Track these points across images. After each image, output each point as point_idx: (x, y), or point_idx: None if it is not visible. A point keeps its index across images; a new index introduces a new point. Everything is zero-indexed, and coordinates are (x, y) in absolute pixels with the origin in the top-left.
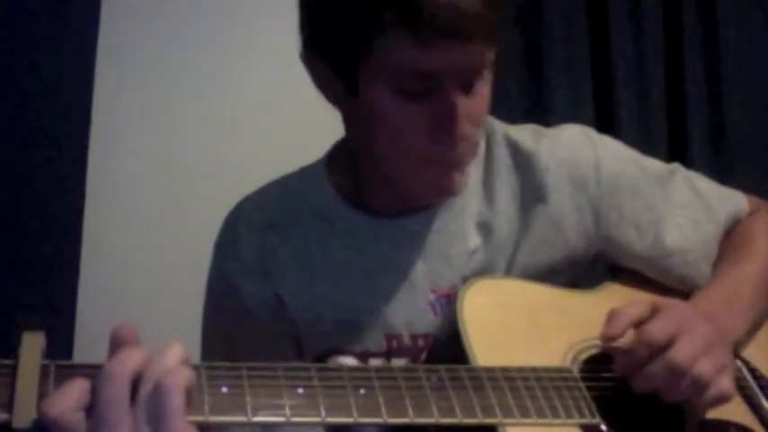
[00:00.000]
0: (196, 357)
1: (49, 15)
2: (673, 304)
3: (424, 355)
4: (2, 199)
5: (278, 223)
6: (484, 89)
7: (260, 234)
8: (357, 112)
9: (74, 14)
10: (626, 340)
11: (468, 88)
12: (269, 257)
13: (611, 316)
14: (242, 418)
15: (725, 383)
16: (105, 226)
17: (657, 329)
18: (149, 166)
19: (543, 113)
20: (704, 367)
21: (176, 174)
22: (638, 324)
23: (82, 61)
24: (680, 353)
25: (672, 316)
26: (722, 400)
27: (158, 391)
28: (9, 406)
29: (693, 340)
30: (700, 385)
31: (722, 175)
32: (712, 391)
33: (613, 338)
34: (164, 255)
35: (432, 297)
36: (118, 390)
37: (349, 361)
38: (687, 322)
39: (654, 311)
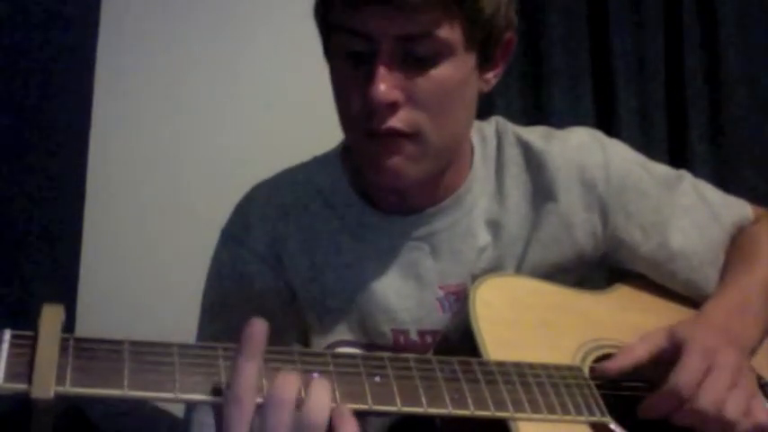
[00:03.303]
0: None
1: (49, 15)
2: (693, 336)
3: (431, 352)
4: (2, 199)
5: (290, 213)
6: (439, 73)
7: (272, 224)
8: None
9: (74, 14)
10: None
11: (411, 61)
12: (280, 247)
13: (622, 351)
14: (257, 400)
15: (759, 415)
16: (105, 226)
17: (686, 378)
18: (149, 166)
19: (543, 113)
20: (732, 409)
21: (176, 173)
22: (656, 356)
23: (82, 61)
24: (705, 400)
25: (696, 354)
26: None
27: None
28: (29, 376)
29: (720, 378)
30: (733, 425)
31: (722, 175)
32: (747, 425)
33: (617, 372)
34: (164, 254)
35: (440, 294)
36: (284, 415)
37: (357, 352)
38: (713, 355)
39: (673, 343)
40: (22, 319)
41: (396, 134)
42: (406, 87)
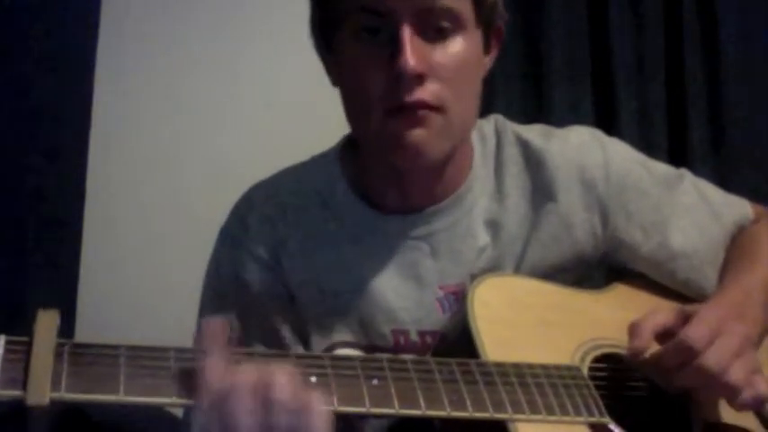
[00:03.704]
0: None
1: (49, 16)
2: (704, 307)
3: (430, 353)
4: (2, 199)
5: (289, 213)
6: (455, 46)
7: (271, 226)
8: (339, 79)
9: (74, 14)
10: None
11: (430, 35)
12: (279, 248)
13: (634, 329)
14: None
15: (760, 386)
16: (105, 226)
17: (698, 334)
18: (149, 166)
19: (543, 113)
20: (737, 372)
21: (176, 173)
22: (664, 332)
23: (82, 61)
24: (711, 359)
25: (708, 319)
26: (758, 403)
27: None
28: (24, 383)
29: (728, 343)
30: (734, 390)
31: (722, 175)
32: (748, 394)
33: (641, 351)
34: (164, 254)
35: (440, 294)
36: (246, 400)
37: (356, 354)
38: (723, 323)
39: (684, 317)
40: (21, 321)
41: (423, 107)
42: (429, 60)
